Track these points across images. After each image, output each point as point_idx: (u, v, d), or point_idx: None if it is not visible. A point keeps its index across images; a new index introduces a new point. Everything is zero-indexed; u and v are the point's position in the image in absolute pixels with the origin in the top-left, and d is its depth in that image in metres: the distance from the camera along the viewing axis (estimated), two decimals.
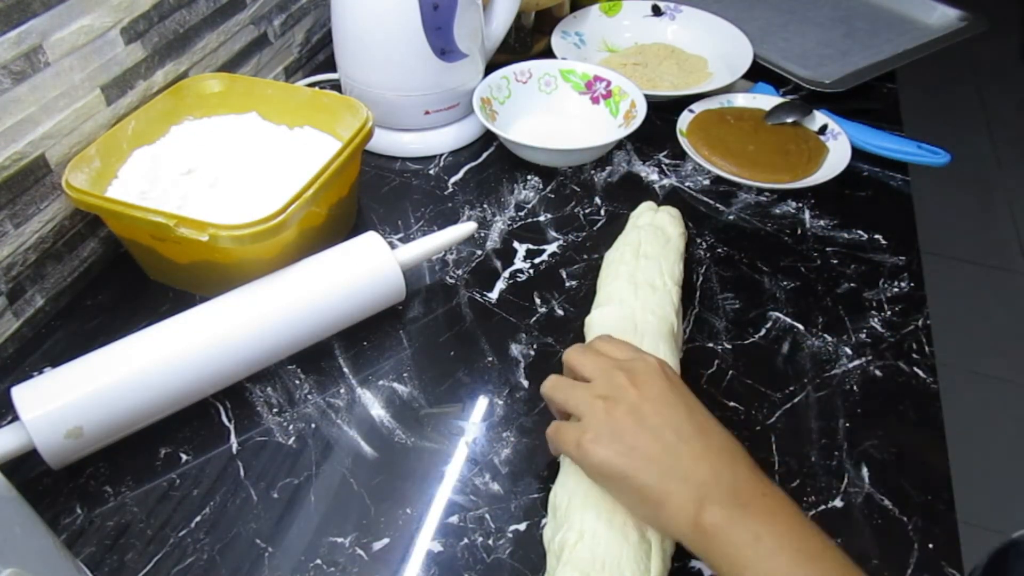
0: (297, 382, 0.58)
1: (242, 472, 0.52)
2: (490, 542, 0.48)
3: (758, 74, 0.88)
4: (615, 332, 0.54)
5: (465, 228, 0.63)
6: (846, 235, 0.71)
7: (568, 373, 0.50)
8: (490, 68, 0.82)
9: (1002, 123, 2.42)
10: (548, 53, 0.91)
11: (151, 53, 0.67)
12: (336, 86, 0.82)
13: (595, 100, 0.83)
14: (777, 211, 0.74)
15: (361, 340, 0.61)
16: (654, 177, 0.77)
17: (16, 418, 0.48)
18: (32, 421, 0.47)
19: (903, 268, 0.67)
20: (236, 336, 0.54)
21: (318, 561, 0.47)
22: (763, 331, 0.62)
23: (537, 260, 0.68)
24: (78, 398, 0.49)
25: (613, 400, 0.45)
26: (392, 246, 0.61)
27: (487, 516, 0.50)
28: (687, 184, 0.77)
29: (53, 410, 0.48)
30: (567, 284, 0.66)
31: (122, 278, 0.66)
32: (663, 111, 0.83)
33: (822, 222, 0.72)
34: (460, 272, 0.67)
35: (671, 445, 0.42)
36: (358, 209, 0.73)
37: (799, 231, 0.71)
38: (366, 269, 0.59)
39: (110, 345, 0.52)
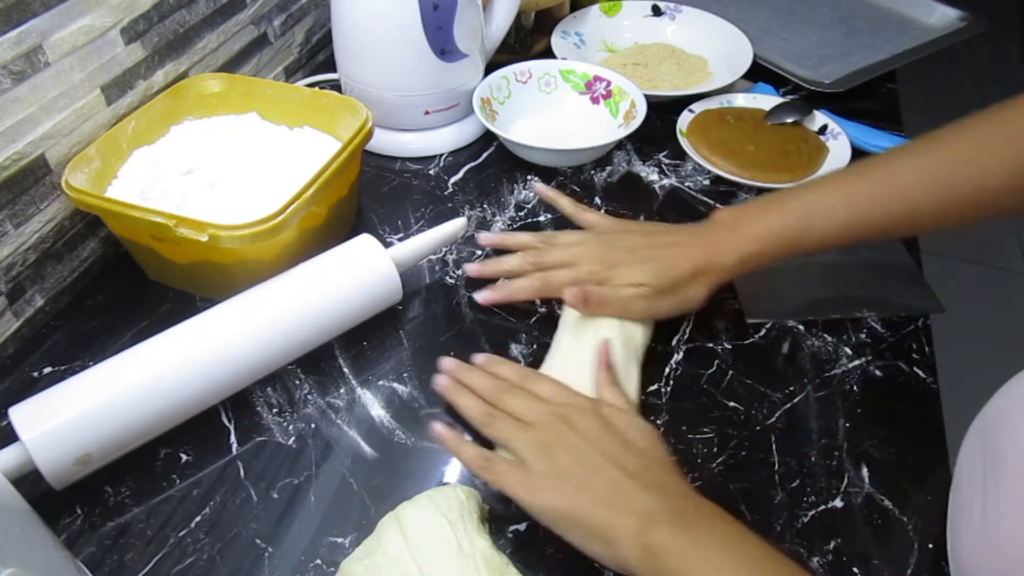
0: (297, 382, 0.58)
1: (242, 472, 0.52)
2: None
3: (758, 74, 0.88)
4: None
5: (456, 224, 0.63)
6: None
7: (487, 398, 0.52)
8: (490, 68, 0.82)
9: None
10: (548, 53, 0.91)
11: (151, 53, 0.67)
12: (336, 86, 0.82)
13: (595, 100, 0.83)
14: None
15: (361, 340, 0.61)
16: (654, 177, 0.77)
17: (17, 438, 0.47)
18: (44, 463, 0.47)
19: None
20: (236, 349, 0.53)
21: (318, 561, 0.47)
22: (763, 331, 0.62)
23: None
24: (86, 428, 0.48)
25: (555, 446, 0.46)
26: (391, 246, 0.61)
27: (488, 518, 0.49)
28: (687, 184, 0.77)
29: (62, 444, 0.47)
30: None
31: (122, 278, 0.66)
32: (663, 111, 0.83)
33: None
34: (460, 272, 0.67)
35: (615, 481, 0.44)
36: (358, 209, 0.73)
37: None
38: (361, 272, 0.59)
39: (112, 361, 0.51)
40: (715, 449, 0.54)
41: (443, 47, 0.74)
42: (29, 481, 0.48)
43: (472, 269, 0.62)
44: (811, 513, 0.50)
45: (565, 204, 0.65)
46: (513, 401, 0.50)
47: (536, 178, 0.76)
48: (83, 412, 0.48)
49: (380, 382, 0.58)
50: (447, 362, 0.55)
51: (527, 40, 0.94)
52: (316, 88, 0.71)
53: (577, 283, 0.56)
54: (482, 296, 0.60)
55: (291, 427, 0.55)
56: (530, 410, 0.49)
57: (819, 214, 0.55)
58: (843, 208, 0.55)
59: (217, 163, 0.65)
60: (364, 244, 0.60)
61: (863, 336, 0.61)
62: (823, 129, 0.80)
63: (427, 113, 0.78)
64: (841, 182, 0.56)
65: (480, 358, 0.56)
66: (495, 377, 0.53)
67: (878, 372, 0.59)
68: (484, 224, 0.71)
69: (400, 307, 0.63)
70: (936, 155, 0.54)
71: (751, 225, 0.56)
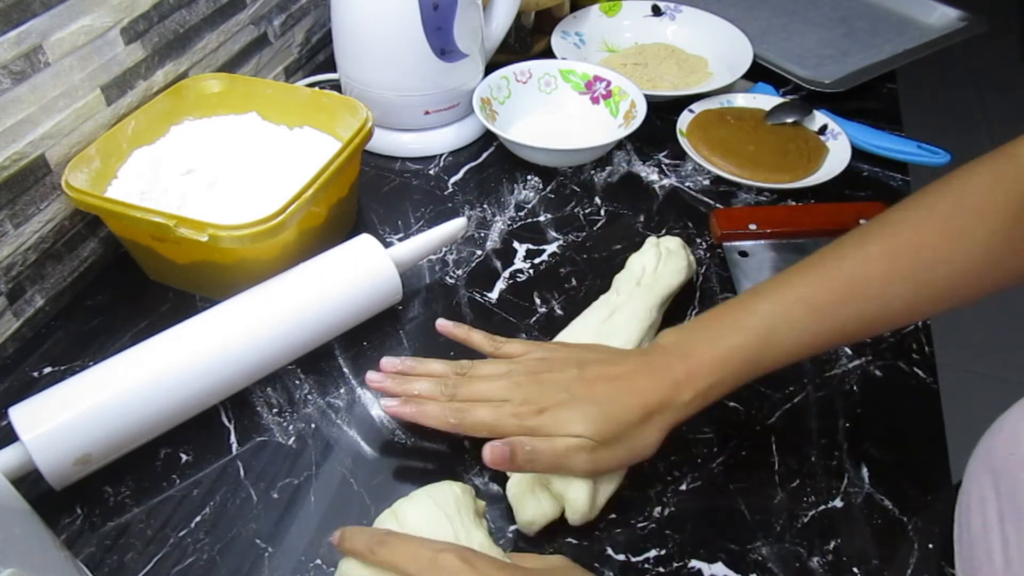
0: (297, 382, 0.58)
1: (242, 472, 0.52)
2: None
3: (758, 74, 0.88)
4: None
5: (456, 224, 0.63)
6: None
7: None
8: (490, 68, 0.82)
9: (1002, 123, 2.41)
10: (548, 53, 0.91)
11: (151, 53, 0.67)
12: (336, 86, 0.82)
13: (595, 100, 0.83)
14: None
15: (361, 340, 0.61)
16: (654, 177, 0.77)
17: (17, 438, 0.47)
18: (44, 463, 0.47)
19: None
20: (236, 349, 0.53)
21: (318, 561, 0.47)
22: None
23: (537, 260, 0.68)
24: (86, 428, 0.48)
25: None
26: (391, 247, 0.61)
27: (487, 516, 0.49)
28: (687, 184, 0.77)
29: (62, 444, 0.47)
30: (567, 284, 0.66)
31: (122, 278, 0.66)
32: (663, 111, 0.83)
33: None
34: (460, 272, 0.67)
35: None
36: (358, 209, 0.73)
37: None
38: (361, 272, 0.59)
39: (112, 361, 0.51)
40: (715, 449, 0.54)
41: (443, 47, 0.74)
42: (29, 481, 0.48)
43: (374, 379, 0.53)
44: (811, 513, 0.50)
45: (478, 340, 0.54)
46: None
47: (536, 177, 0.77)
48: (83, 412, 0.48)
49: None
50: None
51: (527, 40, 0.94)
52: (316, 88, 0.71)
53: (498, 424, 0.47)
54: (389, 405, 0.52)
55: (291, 427, 0.55)
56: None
57: (782, 328, 0.47)
58: (808, 317, 0.47)
59: (217, 163, 0.65)
60: (364, 244, 0.60)
61: None
62: (823, 129, 0.80)
63: (427, 113, 0.78)
64: (800, 286, 0.48)
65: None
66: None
67: (878, 372, 0.59)
68: (484, 224, 0.71)
69: (400, 307, 0.63)
70: (895, 242, 0.47)
71: (707, 350, 0.48)
